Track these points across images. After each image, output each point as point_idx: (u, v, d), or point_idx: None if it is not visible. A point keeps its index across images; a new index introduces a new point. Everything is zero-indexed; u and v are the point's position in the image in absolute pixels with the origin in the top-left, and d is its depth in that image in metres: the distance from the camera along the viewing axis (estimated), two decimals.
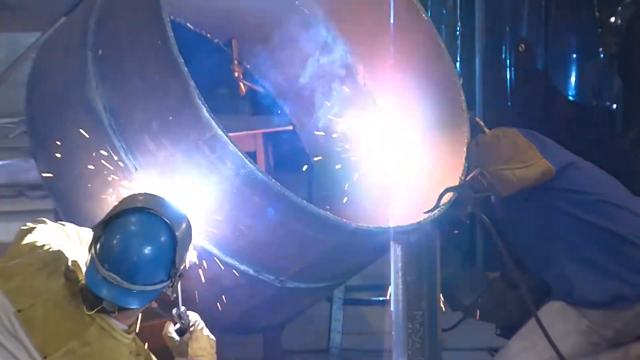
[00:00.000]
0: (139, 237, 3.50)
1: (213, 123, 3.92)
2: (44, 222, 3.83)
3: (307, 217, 4.09)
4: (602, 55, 6.54)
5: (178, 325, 3.83)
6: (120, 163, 4.13)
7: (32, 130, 4.71)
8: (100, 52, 4.30)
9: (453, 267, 4.91)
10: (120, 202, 3.61)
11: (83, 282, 3.53)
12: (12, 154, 5.35)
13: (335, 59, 5.28)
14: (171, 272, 3.53)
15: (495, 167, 4.59)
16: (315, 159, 5.50)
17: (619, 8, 6.50)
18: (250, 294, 4.27)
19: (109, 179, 4.15)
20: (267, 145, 6.12)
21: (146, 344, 3.73)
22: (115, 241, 3.47)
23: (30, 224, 3.81)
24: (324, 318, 6.04)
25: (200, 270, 4.05)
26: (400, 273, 4.27)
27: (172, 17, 4.14)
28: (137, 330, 3.65)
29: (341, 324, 6.01)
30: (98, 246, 3.48)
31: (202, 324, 3.84)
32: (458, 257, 5.02)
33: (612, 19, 6.49)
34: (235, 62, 5.20)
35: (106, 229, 3.51)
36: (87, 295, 3.49)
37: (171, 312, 3.81)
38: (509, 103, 6.69)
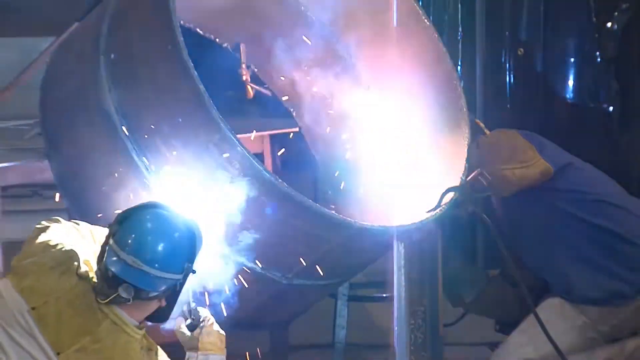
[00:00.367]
0: (161, 226, 3.52)
1: (222, 125, 3.93)
2: (58, 221, 3.83)
3: (313, 217, 4.09)
4: (599, 59, 6.54)
5: (189, 321, 3.84)
6: (132, 164, 4.14)
7: (46, 132, 4.71)
8: (112, 56, 4.31)
9: (454, 264, 4.92)
10: (134, 206, 3.63)
11: (95, 280, 3.54)
12: (26, 155, 5.36)
13: (340, 62, 5.29)
14: (185, 267, 3.54)
15: (496, 167, 4.60)
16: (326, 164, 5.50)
17: (616, 13, 6.50)
18: (257, 291, 4.28)
19: (121, 179, 4.16)
20: (274, 147, 6.11)
21: None
22: (135, 230, 3.48)
23: (44, 223, 3.80)
24: (329, 314, 6.03)
25: (209, 269, 4.06)
26: (403, 270, 4.27)
27: (181, 22, 4.14)
28: None
29: (345, 320, 6.01)
30: (116, 236, 3.49)
31: (212, 319, 3.84)
32: (459, 255, 5.03)
33: (609, 24, 6.48)
34: (243, 65, 5.20)
35: (124, 222, 3.52)
36: (101, 287, 3.49)
37: (182, 308, 3.82)
38: (509, 105, 6.69)
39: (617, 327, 4.59)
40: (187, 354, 3.81)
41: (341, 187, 5.39)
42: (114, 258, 3.46)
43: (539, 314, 4.47)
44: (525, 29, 6.65)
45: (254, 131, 5.69)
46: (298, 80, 5.34)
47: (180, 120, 4.01)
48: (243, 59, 5.25)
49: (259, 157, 5.93)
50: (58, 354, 3.42)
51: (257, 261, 4.21)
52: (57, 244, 3.63)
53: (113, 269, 3.45)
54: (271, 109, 5.88)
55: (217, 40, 5.25)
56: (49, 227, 3.75)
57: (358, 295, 6.21)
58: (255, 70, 5.35)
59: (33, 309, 3.45)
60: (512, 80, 6.66)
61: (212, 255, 4.02)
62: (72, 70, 4.63)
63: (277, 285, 4.32)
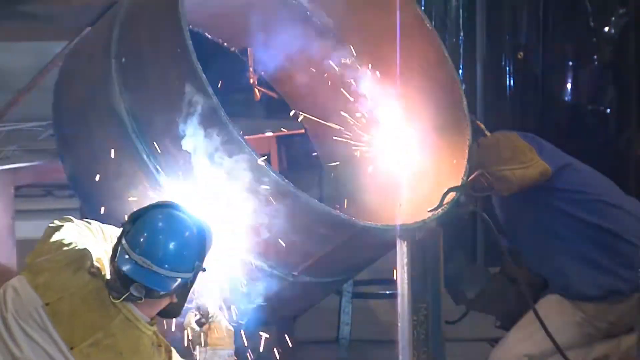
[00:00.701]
0: (171, 227, 3.52)
1: (230, 127, 3.94)
2: (70, 220, 3.84)
3: (319, 216, 4.10)
4: (596, 63, 6.54)
5: (198, 317, 3.85)
6: (142, 164, 4.14)
7: (59, 133, 4.72)
8: (123, 60, 4.32)
9: (456, 263, 4.92)
10: (147, 205, 3.64)
11: (107, 277, 3.54)
12: (40, 156, 5.36)
13: (343, 66, 5.28)
14: (195, 265, 3.54)
15: (496, 167, 4.59)
16: (330, 164, 5.50)
17: (613, 18, 6.50)
18: (264, 288, 4.28)
19: (132, 179, 4.16)
20: (281, 148, 6.12)
21: None
22: (146, 230, 3.49)
23: (57, 222, 3.81)
24: (333, 310, 6.05)
25: (217, 267, 4.07)
26: (405, 268, 4.27)
27: (190, 26, 4.15)
28: None
29: (350, 316, 6.02)
30: (128, 236, 3.50)
31: (220, 315, 3.86)
32: (461, 254, 5.03)
33: (606, 29, 6.49)
34: (251, 69, 5.21)
35: (136, 222, 3.53)
36: (115, 285, 3.50)
37: (192, 304, 3.83)
38: (509, 107, 6.69)
39: (614, 323, 4.59)
40: (196, 348, 3.82)
41: (345, 187, 5.39)
42: (126, 257, 3.47)
43: (538, 311, 4.47)
44: (524, 33, 6.65)
45: (269, 132, 5.70)
46: (303, 82, 5.34)
47: (190, 122, 4.01)
48: (250, 62, 5.25)
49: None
50: (71, 348, 3.43)
51: (264, 259, 4.21)
52: (70, 243, 3.64)
53: (124, 269, 3.46)
54: (277, 111, 5.89)
55: (225, 44, 5.26)
56: (62, 226, 3.75)
57: (362, 292, 6.22)
58: (262, 73, 5.36)
59: (47, 304, 3.46)
60: (512, 83, 6.67)
61: (221, 254, 4.03)
62: (84, 73, 4.64)
63: (283, 283, 4.32)
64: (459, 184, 4.57)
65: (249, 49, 5.23)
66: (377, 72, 5.26)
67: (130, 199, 4.15)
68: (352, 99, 5.27)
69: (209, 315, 3.84)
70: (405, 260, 4.25)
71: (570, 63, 6.57)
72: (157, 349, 3.59)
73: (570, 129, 6.54)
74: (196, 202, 3.80)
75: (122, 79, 4.29)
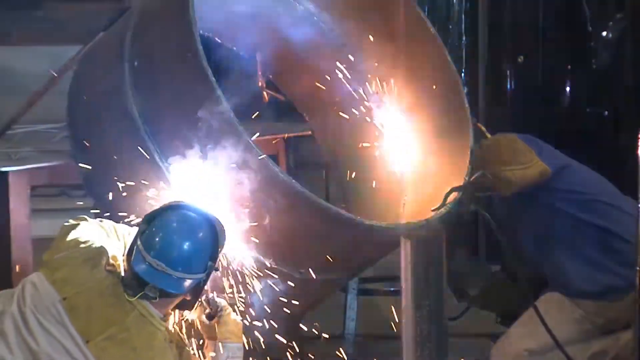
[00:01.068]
0: (184, 229, 3.54)
1: (238, 128, 3.94)
2: (85, 219, 3.86)
3: (326, 215, 4.10)
4: (594, 67, 6.53)
5: (208, 310, 3.86)
6: (154, 166, 4.15)
7: (73, 135, 4.73)
8: (135, 64, 4.33)
9: (459, 261, 4.92)
10: (162, 205, 3.64)
11: (122, 275, 3.55)
12: (54, 157, 5.38)
13: (347, 69, 5.29)
14: (208, 265, 3.55)
15: (497, 168, 4.59)
16: (336, 165, 5.50)
17: (611, 23, 6.49)
18: (272, 285, 4.28)
19: (144, 180, 4.17)
20: (288, 149, 6.13)
21: None
22: (161, 232, 3.51)
23: (72, 221, 3.83)
24: (339, 307, 6.05)
25: (227, 263, 4.07)
26: (409, 266, 4.27)
27: (200, 31, 4.16)
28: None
29: (355, 312, 6.03)
30: (143, 237, 3.51)
31: (229, 309, 3.86)
32: (463, 252, 5.03)
33: (604, 33, 6.48)
34: (259, 72, 5.22)
35: (151, 223, 3.54)
36: (130, 283, 3.51)
37: (202, 299, 3.84)
38: (509, 111, 6.69)
39: (612, 320, 4.59)
40: (206, 342, 3.83)
41: (351, 188, 5.40)
42: (141, 259, 3.49)
43: (539, 308, 4.46)
44: (525, 38, 6.65)
45: (277, 134, 5.71)
46: (310, 86, 5.35)
47: (199, 124, 4.02)
48: (258, 66, 5.26)
49: (274, 158, 5.95)
50: (87, 342, 3.45)
51: (271, 257, 4.22)
52: (87, 240, 3.66)
53: (140, 271, 3.48)
54: (285, 113, 5.90)
55: (235, 48, 5.27)
56: (78, 224, 3.77)
57: (367, 289, 6.23)
58: (270, 76, 5.36)
59: (64, 299, 3.47)
60: (512, 86, 6.66)
61: (230, 252, 4.04)
62: (97, 76, 4.65)
63: (289, 280, 4.33)
64: (462, 184, 4.57)
65: (257, 53, 5.24)
66: (381, 76, 5.27)
67: (142, 198, 4.16)
68: (356, 102, 5.28)
69: (219, 309, 3.84)
70: (409, 258, 4.24)
71: (569, 67, 6.55)
72: (169, 345, 3.61)
73: (569, 131, 6.52)
74: (206, 202, 3.80)
75: (135, 82, 4.30)
